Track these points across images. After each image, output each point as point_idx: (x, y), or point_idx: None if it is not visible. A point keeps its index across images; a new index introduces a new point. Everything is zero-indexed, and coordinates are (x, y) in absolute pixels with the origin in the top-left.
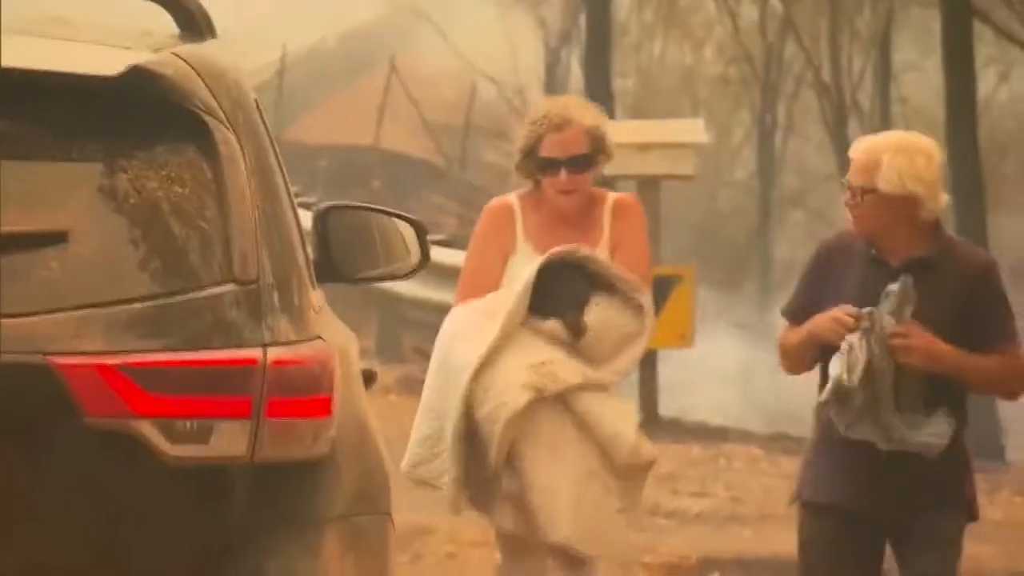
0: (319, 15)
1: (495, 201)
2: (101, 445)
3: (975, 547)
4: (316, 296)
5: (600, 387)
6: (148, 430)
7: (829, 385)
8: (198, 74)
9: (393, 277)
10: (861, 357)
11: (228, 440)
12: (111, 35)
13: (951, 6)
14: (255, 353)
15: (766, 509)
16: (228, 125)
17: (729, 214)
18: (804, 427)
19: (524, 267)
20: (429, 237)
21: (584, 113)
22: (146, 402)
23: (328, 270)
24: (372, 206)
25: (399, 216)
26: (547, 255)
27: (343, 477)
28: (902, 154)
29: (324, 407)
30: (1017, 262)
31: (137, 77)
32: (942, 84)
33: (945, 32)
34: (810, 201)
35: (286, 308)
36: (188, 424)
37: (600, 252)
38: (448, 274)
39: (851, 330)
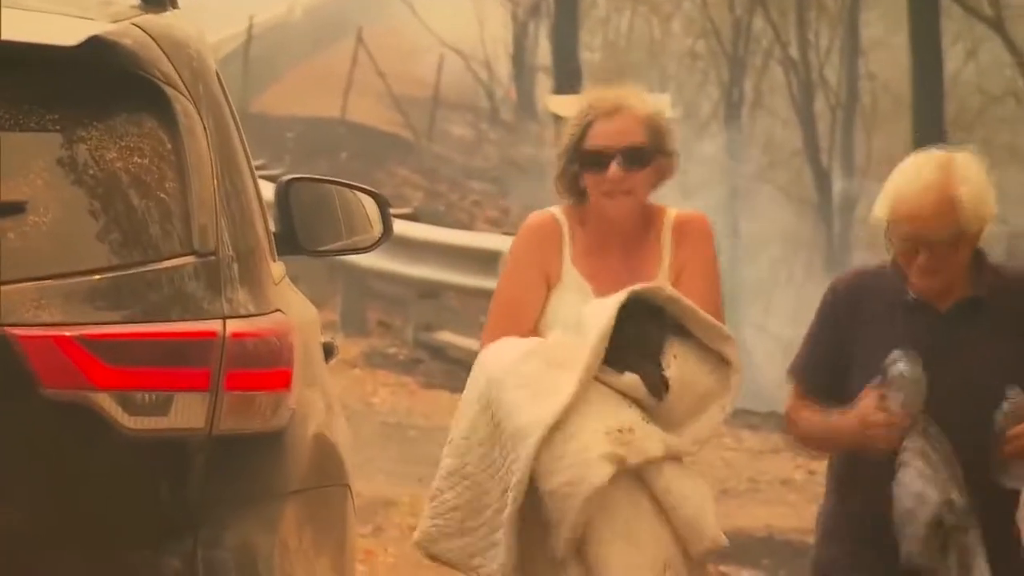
0: None
1: (537, 215)
2: (59, 417)
3: None
4: (277, 269)
5: (677, 459)
6: (106, 402)
7: (924, 517)
8: (158, 45)
9: (355, 250)
10: (944, 470)
11: (187, 412)
12: (71, 5)
13: None
14: (214, 325)
15: (728, 484)
16: (189, 96)
17: (697, 189)
18: (767, 403)
19: (571, 298)
20: (395, 210)
21: (641, 100)
22: (104, 374)
23: (289, 243)
24: (334, 179)
25: (361, 189)
26: (627, 293)
27: (303, 450)
28: (969, 182)
29: (283, 380)
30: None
31: (97, 47)
32: (909, 61)
33: (913, 9)
34: (777, 176)
35: (246, 280)
36: (146, 396)
37: (660, 283)
38: (414, 247)
39: (904, 430)
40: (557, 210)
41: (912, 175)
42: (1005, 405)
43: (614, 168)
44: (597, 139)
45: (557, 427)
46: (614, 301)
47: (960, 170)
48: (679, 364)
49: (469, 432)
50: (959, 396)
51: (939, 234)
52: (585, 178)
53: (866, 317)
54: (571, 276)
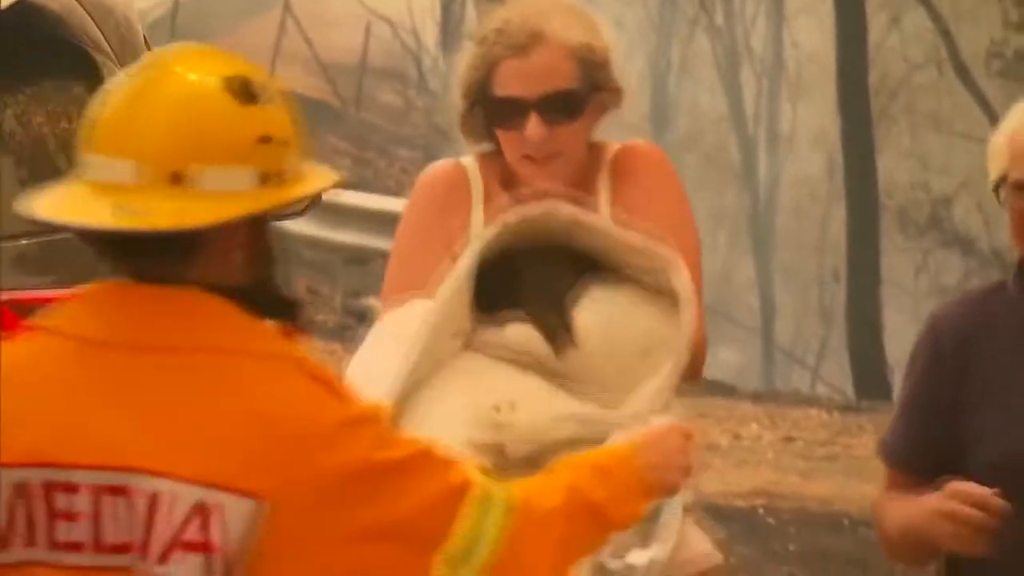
0: None
1: (437, 165)
2: None
3: (865, 487)
4: None
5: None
6: None
7: None
8: (86, 10)
9: (283, 216)
10: None
11: None
12: None
13: None
14: None
15: None
16: (116, 62)
17: None
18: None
19: None
20: None
21: (567, 23)
22: None
23: None
24: None
25: None
26: (502, 219)
27: None
28: None
29: None
30: (906, 203)
31: (24, 12)
32: (834, 28)
33: None
34: (703, 144)
35: None
36: None
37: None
38: (342, 214)
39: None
40: (468, 159)
41: None
42: None
43: (534, 124)
44: (508, 84)
45: (402, 408)
46: (487, 231)
47: None
48: (598, 307)
49: None
50: None
51: None
52: (497, 133)
53: (982, 354)
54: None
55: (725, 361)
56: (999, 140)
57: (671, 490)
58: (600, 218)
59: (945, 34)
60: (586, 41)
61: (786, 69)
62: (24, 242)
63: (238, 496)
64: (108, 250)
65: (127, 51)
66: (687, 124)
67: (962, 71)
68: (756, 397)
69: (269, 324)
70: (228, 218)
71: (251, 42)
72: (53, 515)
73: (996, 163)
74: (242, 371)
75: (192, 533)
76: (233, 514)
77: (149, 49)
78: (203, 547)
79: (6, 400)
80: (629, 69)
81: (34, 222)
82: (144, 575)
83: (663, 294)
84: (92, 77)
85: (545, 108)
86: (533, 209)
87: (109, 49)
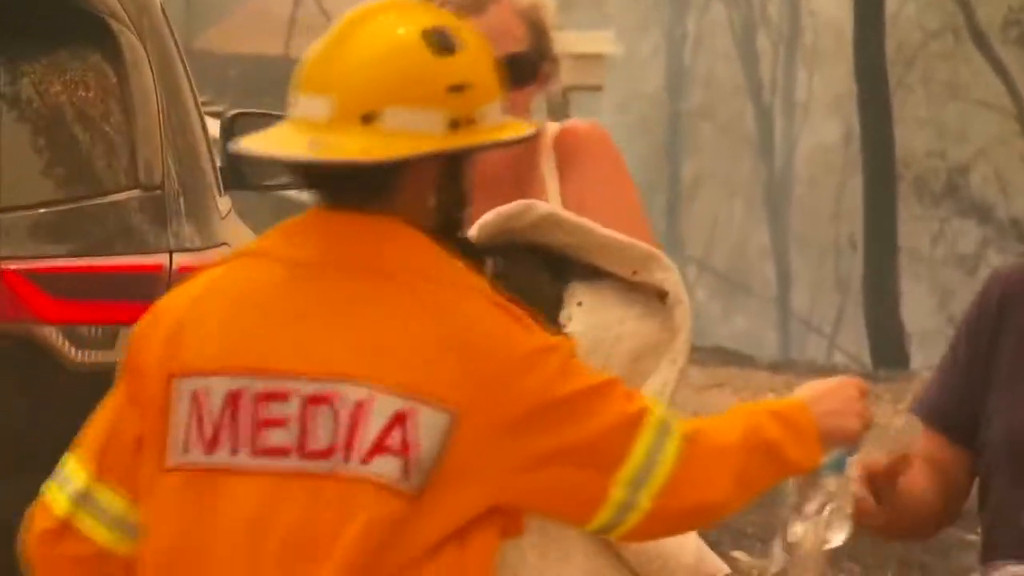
0: None
1: None
2: (4, 350)
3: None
4: (223, 203)
5: None
6: (52, 336)
7: None
8: None
9: (300, 186)
10: None
11: None
12: None
13: None
14: (160, 259)
15: None
16: (133, 30)
17: (638, 126)
18: (711, 338)
19: None
20: None
21: None
22: (50, 307)
23: (235, 177)
24: (279, 113)
25: None
26: (479, 223)
27: None
28: None
29: None
30: (922, 171)
31: None
32: None
33: None
34: (719, 114)
35: (192, 214)
36: (93, 330)
37: (524, 202)
38: None
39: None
40: None
41: None
42: None
43: None
44: None
45: None
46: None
47: None
48: (587, 313)
49: None
50: None
51: None
52: None
53: (1021, 327)
54: None
55: (741, 330)
56: None
57: (850, 437)
58: (576, 216)
59: (962, 2)
60: (534, 4)
61: (802, 38)
62: (41, 211)
63: (434, 409)
64: (313, 183)
65: (144, 19)
66: (703, 94)
67: (979, 39)
68: (773, 366)
69: (460, 261)
70: (411, 155)
71: (266, 13)
72: (261, 422)
73: None
74: (440, 297)
75: (393, 439)
76: (429, 425)
77: (166, 18)
78: (402, 452)
79: (219, 316)
80: (643, 40)
81: (51, 190)
82: (346, 475)
83: (639, 289)
84: (109, 46)
85: (502, 71)
86: (509, 208)
87: (126, 17)
